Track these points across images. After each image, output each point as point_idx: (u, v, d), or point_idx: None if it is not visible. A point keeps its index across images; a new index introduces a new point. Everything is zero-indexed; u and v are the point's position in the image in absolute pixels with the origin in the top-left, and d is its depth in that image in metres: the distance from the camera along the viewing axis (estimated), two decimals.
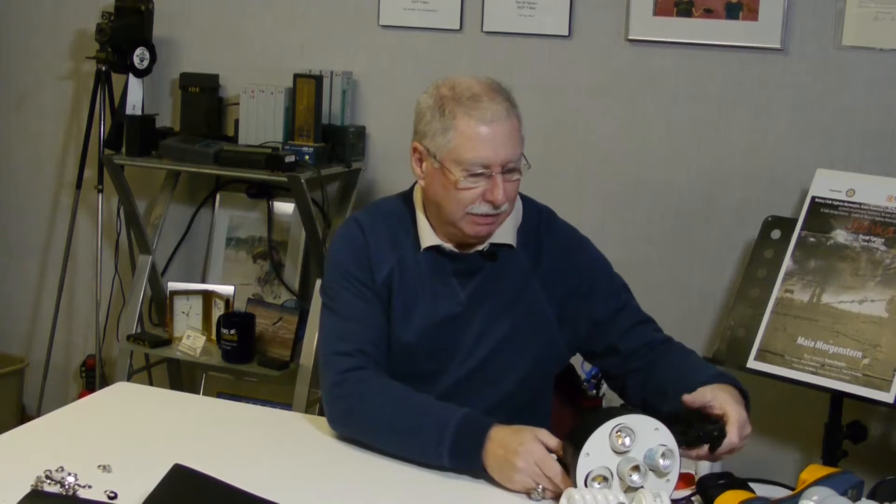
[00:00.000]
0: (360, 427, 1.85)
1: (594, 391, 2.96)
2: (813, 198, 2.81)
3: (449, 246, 1.97)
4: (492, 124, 1.84)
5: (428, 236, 1.98)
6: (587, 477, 1.58)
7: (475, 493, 1.69)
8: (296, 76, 3.33)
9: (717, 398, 1.75)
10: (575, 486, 1.58)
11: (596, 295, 2.02)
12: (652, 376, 1.96)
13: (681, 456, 1.63)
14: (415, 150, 1.94)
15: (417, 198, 2.02)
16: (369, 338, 1.93)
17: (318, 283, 3.24)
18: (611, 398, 2.71)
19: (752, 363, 2.69)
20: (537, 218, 2.06)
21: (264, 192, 3.55)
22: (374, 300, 1.96)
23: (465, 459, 1.73)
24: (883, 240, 2.68)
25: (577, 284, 2.01)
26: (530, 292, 1.99)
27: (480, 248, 1.98)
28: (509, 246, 1.99)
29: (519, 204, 2.04)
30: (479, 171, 1.85)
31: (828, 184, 2.81)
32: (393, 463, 1.78)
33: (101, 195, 3.58)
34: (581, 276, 2.02)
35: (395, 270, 1.97)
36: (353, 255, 1.98)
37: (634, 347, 2.01)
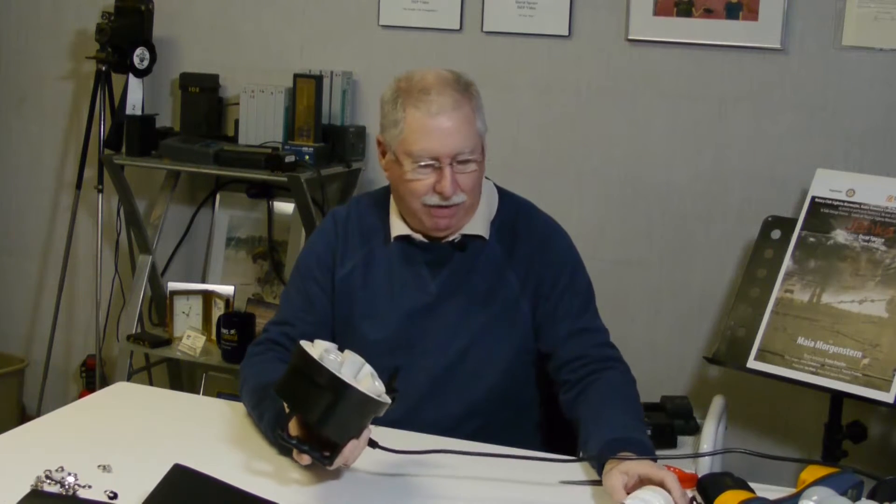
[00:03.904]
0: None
1: None
2: (813, 198, 2.81)
3: (418, 236, 1.98)
4: (438, 116, 1.86)
5: (398, 226, 2.00)
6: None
7: (475, 493, 1.69)
8: (296, 76, 3.33)
9: (639, 474, 1.58)
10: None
11: (554, 290, 1.99)
12: (574, 408, 1.88)
13: None
14: (379, 142, 1.98)
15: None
16: (287, 331, 1.98)
17: None
18: None
19: (752, 363, 2.69)
20: (515, 210, 2.05)
21: (264, 192, 3.54)
22: (319, 297, 2.00)
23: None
24: (883, 240, 2.68)
25: (545, 276, 1.99)
26: (505, 285, 1.98)
27: (451, 238, 1.98)
28: (481, 238, 1.99)
29: (494, 196, 2.04)
30: (427, 162, 1.87)
31: (828, 184, 2.81)
32: (392, 464, 1.78)
33: (101, 195, 3.58)
34: (549, 267, 2.00)
35: (358, 267, 2.00)
36: (320, 249, 2.04)
37: (568, 358, 1.94)
